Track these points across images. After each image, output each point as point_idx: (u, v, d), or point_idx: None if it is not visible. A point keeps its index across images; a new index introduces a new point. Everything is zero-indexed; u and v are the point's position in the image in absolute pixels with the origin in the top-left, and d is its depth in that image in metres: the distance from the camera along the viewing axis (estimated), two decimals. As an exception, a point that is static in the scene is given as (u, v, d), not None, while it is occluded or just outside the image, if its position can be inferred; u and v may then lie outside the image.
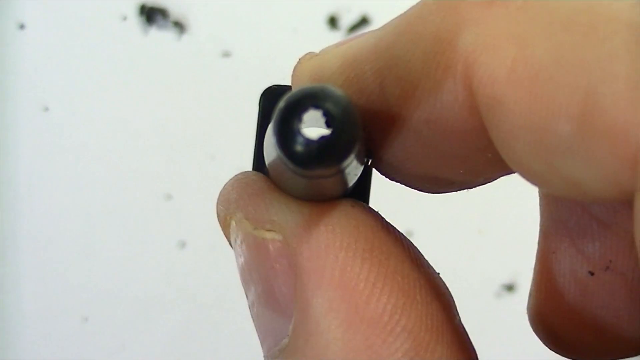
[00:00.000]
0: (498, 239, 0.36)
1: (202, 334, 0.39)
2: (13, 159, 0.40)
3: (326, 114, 0.12)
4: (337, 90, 0.12)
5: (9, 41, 0.41)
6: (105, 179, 0.39)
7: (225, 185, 0.15)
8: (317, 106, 0.12)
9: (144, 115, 0.39)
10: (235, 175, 0.15)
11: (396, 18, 0.13)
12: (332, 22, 0.36)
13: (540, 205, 0.16)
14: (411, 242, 0.15)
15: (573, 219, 0.15)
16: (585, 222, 0.15)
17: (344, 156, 0.12)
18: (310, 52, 0.16)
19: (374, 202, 0.37)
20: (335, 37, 0.36)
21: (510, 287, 0.37)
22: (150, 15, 0.39)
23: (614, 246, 0.15)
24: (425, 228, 0.36)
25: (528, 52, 0.11)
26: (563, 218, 0.15)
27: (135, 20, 0.39)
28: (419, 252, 0.15)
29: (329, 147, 0.12)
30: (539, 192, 0.16)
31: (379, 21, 0.36)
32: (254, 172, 0.15)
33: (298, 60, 0.16)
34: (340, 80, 0.14)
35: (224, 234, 0.15)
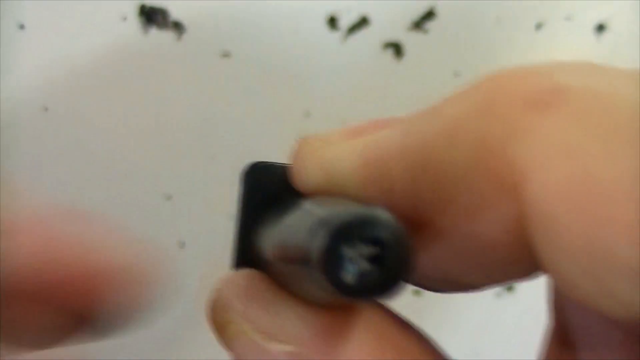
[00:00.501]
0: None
1: (202, 334, 0.39)
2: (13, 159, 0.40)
3: (382, 245, 0.11)
4: (391, 216, 0.11)
5: (9, 41, 0.41)
6: (105, 178, 0.39)
7: (221, 289, 0.14)
8: (370, 234, 0.11)
9: (144, 115, 0.39)
10: (230, 278, 0.14)
11: (429, 112, 0.12)
12: (332, 22, 0.36)
13: (554, 313, 0.15)
14: (422, 332, 0.14)
15: (597, 328, 0.14)
16: (611, 330, 0.14)
17: (396, 287, 0.12)
18: (314, 136, 0.14)
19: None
20: (335, 37, 0.36)
21: (510, 287, 0.37)
22: (150, 15, 0.39)
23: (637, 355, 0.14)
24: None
25: (586, 167, 0.10)
26: (586, 326, 0.15)
27: (135, 20, 0.39)
28: (431, 340, 0.14)
29: (383, 279, 0.11)
30: (553, 302, 0.15)
31: (378, 21, 0.36)
32: (252, 271, 0.14)
33: (300, 143, 0.14)
34: (361, 179, 0.13)
35: (219, 335, 0.14)
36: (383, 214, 0.11)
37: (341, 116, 0.35)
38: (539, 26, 0.35)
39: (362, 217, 0.11)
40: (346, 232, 0.11)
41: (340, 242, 0.11)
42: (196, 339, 0.39)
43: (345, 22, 0.36)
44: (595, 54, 0.36)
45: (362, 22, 0.36)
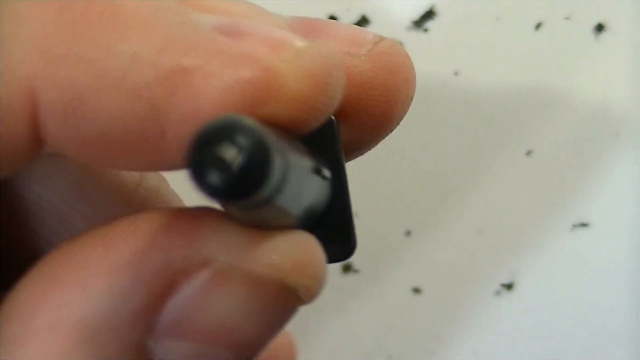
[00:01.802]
0: (497, 238, 0.37)
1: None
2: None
3: (236, 145, 0.12)
4: (250, 120, 0.12)
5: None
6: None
7: None
8: (226, 138, 0.12)
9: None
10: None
11: None
12: (332, 21, 0.36)
13: None
14: None
15: None
16: None
17: (255, 188, 0.12)
18: None
19: (372, 202, 0.37)
20: (335, 37, 0.36)
21: (509, 286, 0.37)
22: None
23: None
24: (425, 228, 0.36)
25: None
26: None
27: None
28: None
29: (239, 179, 0.12)
30: None
31: (378, 21, 0.36)
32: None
33: None
34: None
35: None
36: (243, 119, 0.12)
37: (341, 116, 0.36)
38: (538, 26, 0.35)
39: (222, 122, 0.12)
40: (207, 137, 0.12)
41: (203, 147, 0.12)
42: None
43: (345, 21, 0.36)
44: (595, 54, 0.36)
45: (362, 22, 0.36)
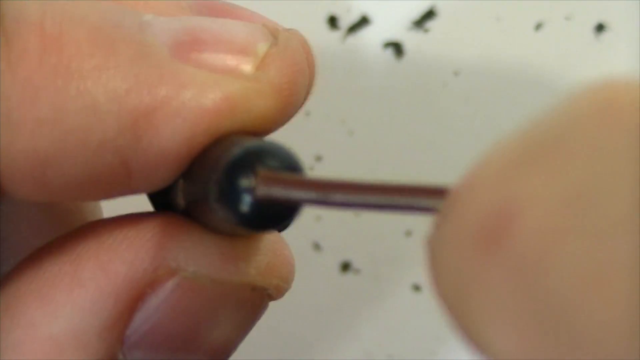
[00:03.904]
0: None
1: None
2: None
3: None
4: (283, 148, 0.12)
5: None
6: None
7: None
8: (265, 166, 0.12)
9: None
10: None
11: None
12: (332, 21, 0.36)
13: None
14: None
15: None
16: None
17: (293, 216, 0.12)
18: None
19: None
20: (335, 37, 0.36)
21: (509, 286, 0.37)
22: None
23: None
24: (425, 228, 0.36)
25: None
26: None
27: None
28: None
29: (279, 209, 0.12)
30: None
31: (379, 21, 0.36)
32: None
33: None
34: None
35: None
36: (276, 146, 0.12)
37: (341, 115, 0.36)
38: (538, 26, 0.35)
39: (255, 150, 0.12)
40: (240, 165, 0.12)
41: (236, 175, 0.12)
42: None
43: (345, 21, 0.36)
44: (595, 54, 0.36)
45: (363, 22, 0.36)
